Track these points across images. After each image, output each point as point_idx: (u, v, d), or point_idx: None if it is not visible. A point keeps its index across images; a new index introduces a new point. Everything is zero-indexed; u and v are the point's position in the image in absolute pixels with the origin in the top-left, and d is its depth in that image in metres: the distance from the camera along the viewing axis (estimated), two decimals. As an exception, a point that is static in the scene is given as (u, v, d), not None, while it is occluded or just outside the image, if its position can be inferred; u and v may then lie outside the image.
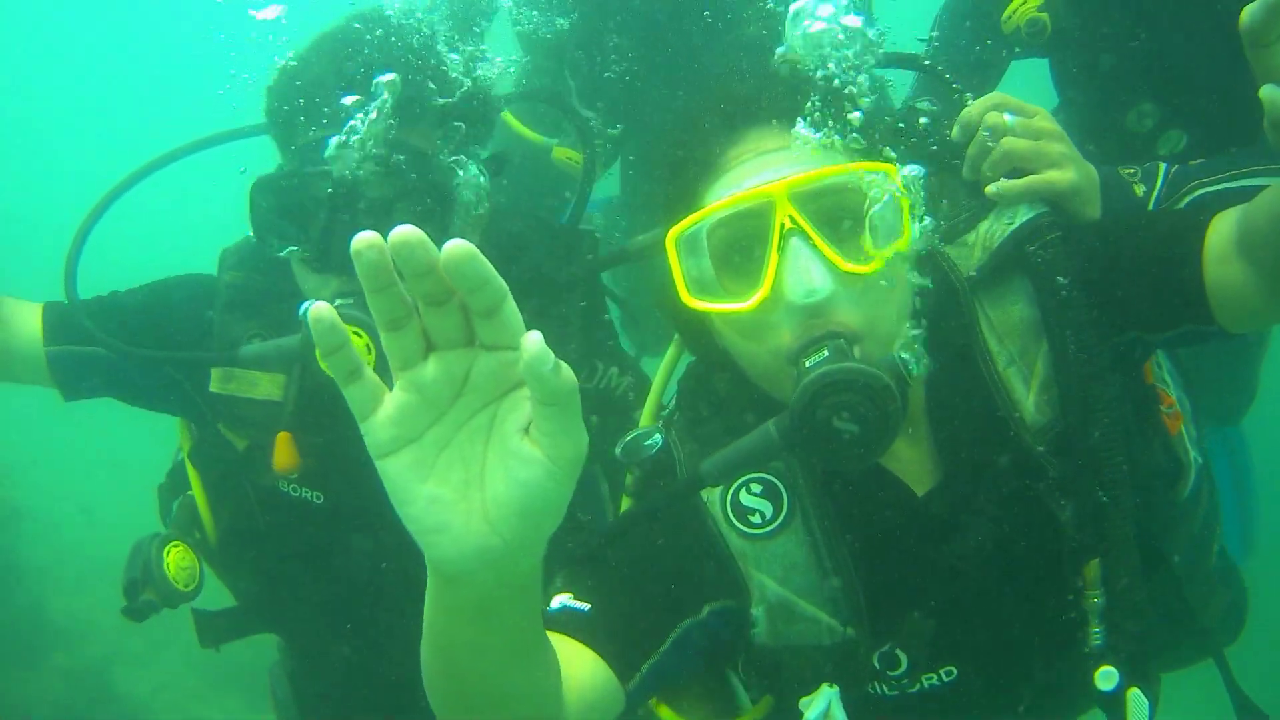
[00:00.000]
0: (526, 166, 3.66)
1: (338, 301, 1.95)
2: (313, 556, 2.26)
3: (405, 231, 0.97)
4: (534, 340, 0.97)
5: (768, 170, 1.62)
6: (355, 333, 1.87)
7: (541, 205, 3.28)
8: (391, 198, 2.00)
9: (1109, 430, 1.71)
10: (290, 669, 2.55)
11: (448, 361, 1.04)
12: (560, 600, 1.66)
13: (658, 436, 1.85)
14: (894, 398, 1.51)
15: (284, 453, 2.16)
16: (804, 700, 1.76)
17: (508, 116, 3.45)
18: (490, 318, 1.02)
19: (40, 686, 6.09)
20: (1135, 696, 1.82)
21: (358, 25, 2.08)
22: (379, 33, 2.06)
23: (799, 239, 1.56)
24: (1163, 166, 2.13)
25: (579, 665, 1.57)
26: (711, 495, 1.75)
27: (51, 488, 7.25)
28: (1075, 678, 1.88)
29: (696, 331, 1.80)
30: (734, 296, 1.61)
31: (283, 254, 2.06)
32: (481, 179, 2.16)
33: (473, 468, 1.06)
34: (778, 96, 1.68)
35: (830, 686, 1.75)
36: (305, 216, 2.01)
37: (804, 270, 1.54)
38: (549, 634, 1.47)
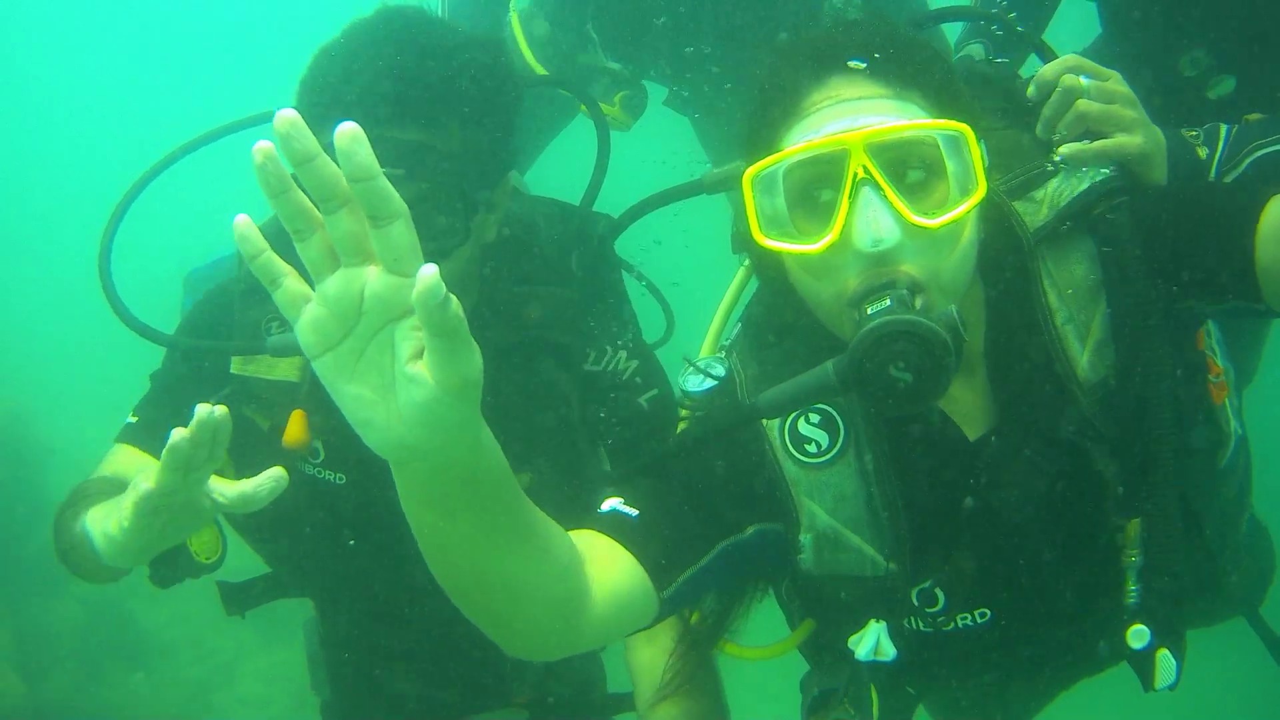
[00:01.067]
0: (545, 112, 3.70)
1: None
2: (337, 533, 2.27)
3: (286, 119, 1.03)
4: (428, 273, 1.02)
5: (847, 118, 1.63)
6: None
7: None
8: (415, 198, 1.96)
9: (1160, 394, 1.74)
10: (320, 628, 2.59)
11: (346, 278, 1.10)
12: (611, 504, 1.73)
13: (719, 367, 1.91)
14: (949, 351, 1.53)
15: (295, 429, 2.18)
16: (853, 638, 1.83)
17: (522, 43, 3.38)
18: (379, 227, 1.07)
19: (62, 614, 6.18)
20: (1164, 657, 1.85)
21: (407, 26, 2.06)
22: (415, 34, 2.04)
23: (870, 189, 1.57)
24: (1224, 128, 2.14)
25: (616, 567, 1.64)
26: (771, 420, 1.80)
27: (81, 426, 7.31)
28: (1103, 633, 1.92)
29: (769, 262, 1.83)
30: (804, 237, 1.64)
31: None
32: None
33: (385, 375, 1.13)
34: (863, 46, 1.70)
35: (878, 622, 1.81)
36: None
37: (873, 219, 1.56)
38: (595, 534, 1.64)
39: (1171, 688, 1.89)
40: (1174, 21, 2.47)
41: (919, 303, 1.59)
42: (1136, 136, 1.87)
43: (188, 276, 2.38)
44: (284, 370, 2.23)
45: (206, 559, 2.20)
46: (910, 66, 1.70)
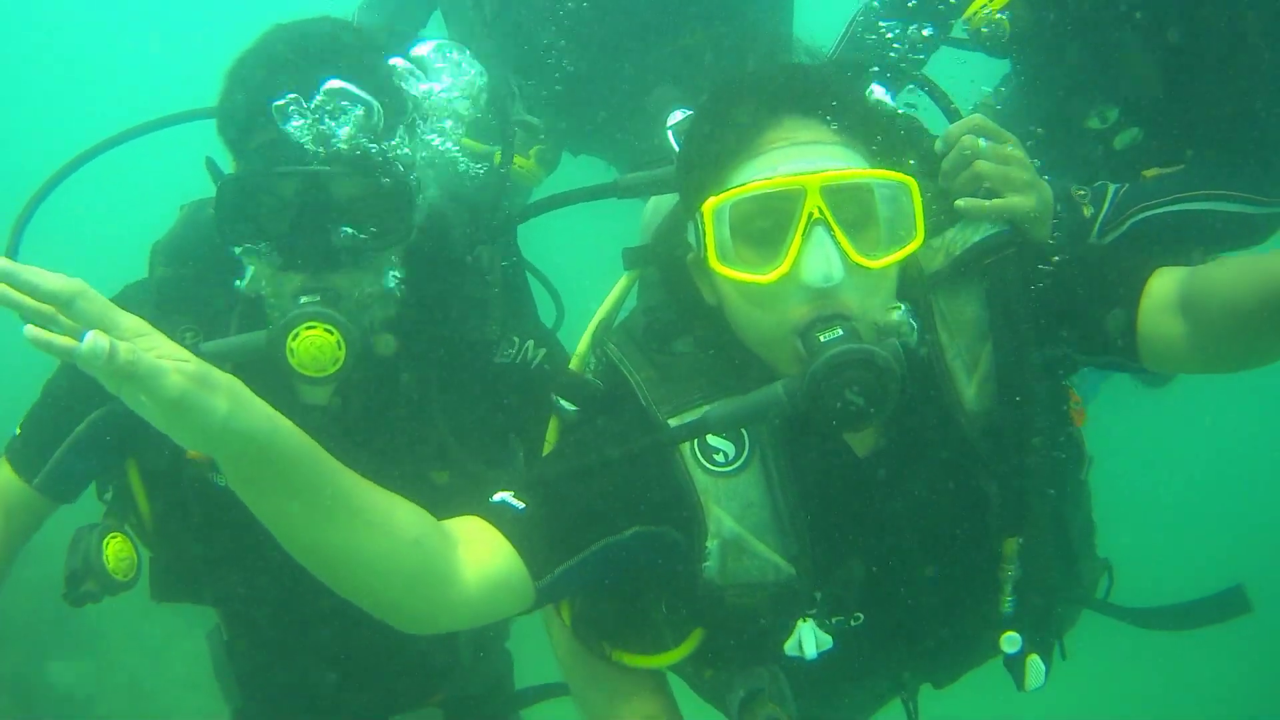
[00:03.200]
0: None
1: (303, 299, 1.99)
2: (243, 543, 2.19)
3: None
4: (86, 341, 1.24)
5: (801, 160, 1.75)
6: (326, 330, 1.94)
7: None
8: (355, 197, 2.01)
9: (1037, 425, 1.89)
10: (225, 637, 2.55)
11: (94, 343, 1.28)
12: (501, 495, 1.80)
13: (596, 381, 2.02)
14: (897, 379, 1.67)
15: None
16: (789, 643, 1.89)
17: None
18: (67, 312, 1.30)
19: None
20: (1034, 662, 2.02)
21: (307, 26, 2.09)
22: (329, 32, 2.07)
23: (823, 229, 1.70)
24: (1111, 189, 2.30)
25: (492, 552, 1.72)
26: (683, 423, 1.85)
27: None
28: (972, 640, 2.06)
29: (682, 283, 1.94)
30: (749, 266, 1.75)
31: (239, 252, 2.07)
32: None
33: None
34: (816, 93, 1.81)
35: (804, 620, 1.88)
36: (268, 215, 2.01)
37: (824, 258, 1.69)
38: (479, 521, 1.75)
39: (1040, 689, 2.05)
40: (1084, 80, 2.60)
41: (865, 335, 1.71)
42: (1029, 198, 2.02)
43: (155, 248, 2.33)
44: None
45: (123, 577, 2.25)
46: (857, 116, 1.83)
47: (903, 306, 1.80)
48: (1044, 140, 2.68)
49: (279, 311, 2.05)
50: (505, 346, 2.28)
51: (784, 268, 1.71)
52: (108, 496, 2.40)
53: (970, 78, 3.04)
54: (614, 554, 1.84)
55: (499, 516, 1.76)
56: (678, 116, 2.09)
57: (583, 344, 2.14)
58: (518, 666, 2.83)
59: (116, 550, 2.25)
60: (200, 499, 2.26)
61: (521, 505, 1.78)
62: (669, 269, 2.00)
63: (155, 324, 2.15)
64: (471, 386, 2.26)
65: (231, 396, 1.37)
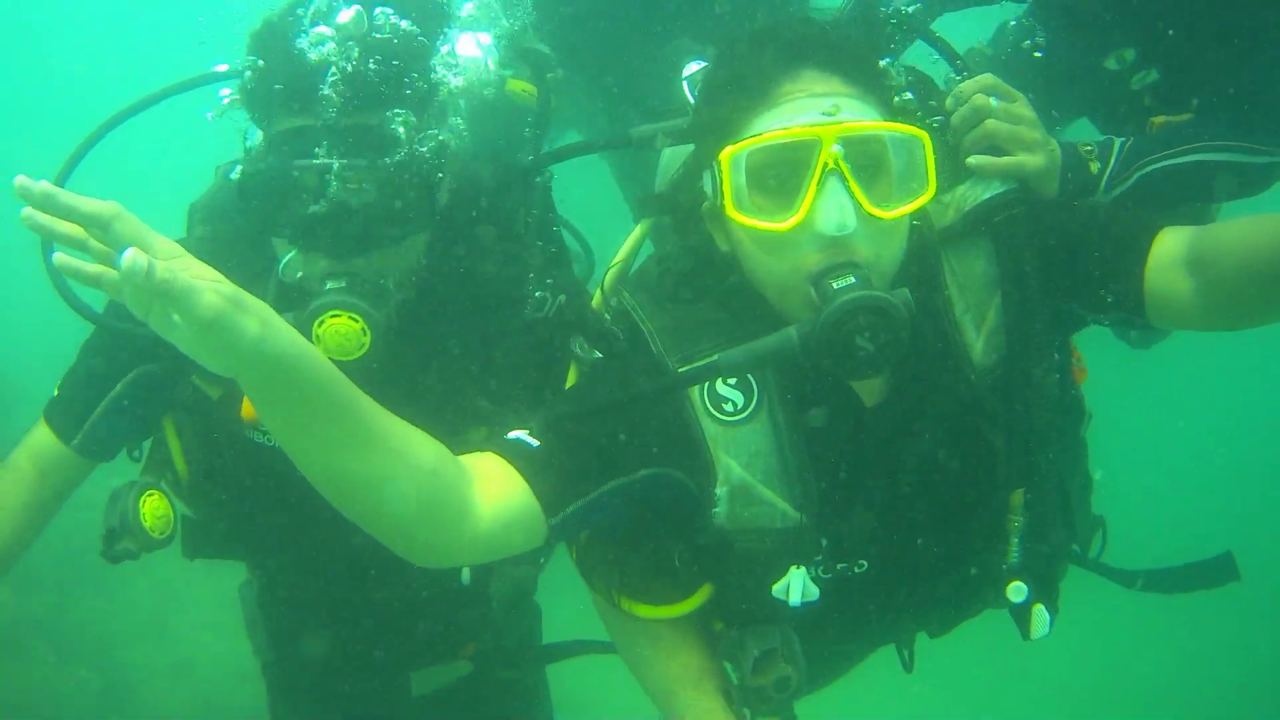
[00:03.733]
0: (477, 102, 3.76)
1: (328, 284, 2.01)
2: (281, 498, 2.23)
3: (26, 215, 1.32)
4: (126, 257, 1.26)
5: (817, 110, 1.78)
6: (351, 318, 1.97)
7: (495, 141, 3.31)
8: (377, 191, 2.03)
9: (1043, 379, 1.93)
10: (257, 591, 2.60)
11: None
12: (517, 433, 1.83)
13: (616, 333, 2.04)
14: (906, 326, 1.70)
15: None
16: (777, 586, 1.94)
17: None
18: (104, 236, 1.32)
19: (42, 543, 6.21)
20: (1040, 611, 2.07)
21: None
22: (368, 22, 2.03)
23: (837, 179, 1.73)
24: (1117, 143, 2.31)
25: (507, 488, 1.75)
26: (694, 365, 1.88)
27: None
28: (974, 589, 2.11)
29: (696, 232, 1.97)
30: (763, 214, 1.78)
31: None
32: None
33: None
34: (832, 45, 1.84)
35: (798, 568, 1.93)
36: (289, 205, 2.03)
37: (838, 207, 1.72)
38: (495, 457, 1.77)
39: (1045, 638, 2.10)
40: (1104, 20, 2.62)
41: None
42: (1037, 156, 2.05)
43: (192, 208, 2.34)
44: None
45: (160, 535, 2.28)
46: (872, 70, 1.87)
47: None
48: (1062, 81, 2.74)
49: (309, 287, 2.07)
50: (537, 302, 2.28)
51: (799, 216, 1.74)
52: (137, 454, 2.41)
53: (967, 28, 3.05)
54: (626, 495, 1.87)
55: (514, 453, 1.79)
56: (694, 68, 2.11)
57: (598, 294, 2.18)
58: (545, 621, 2.85)
59: (153, 508, 2.27)
60: (236, 456, 2.30)
61: (536, 443, 1.81)
62: (683, 217, 2.02)
63: None
64: (505, 342, 2.28)
65: (262, 319, 1.39)
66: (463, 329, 2.24)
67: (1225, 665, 7.77)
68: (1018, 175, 2.02)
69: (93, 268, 1.35)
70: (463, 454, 1.74)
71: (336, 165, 1.98)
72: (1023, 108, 2.07)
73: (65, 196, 1.31)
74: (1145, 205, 2.22)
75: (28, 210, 1.31)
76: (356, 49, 1.98)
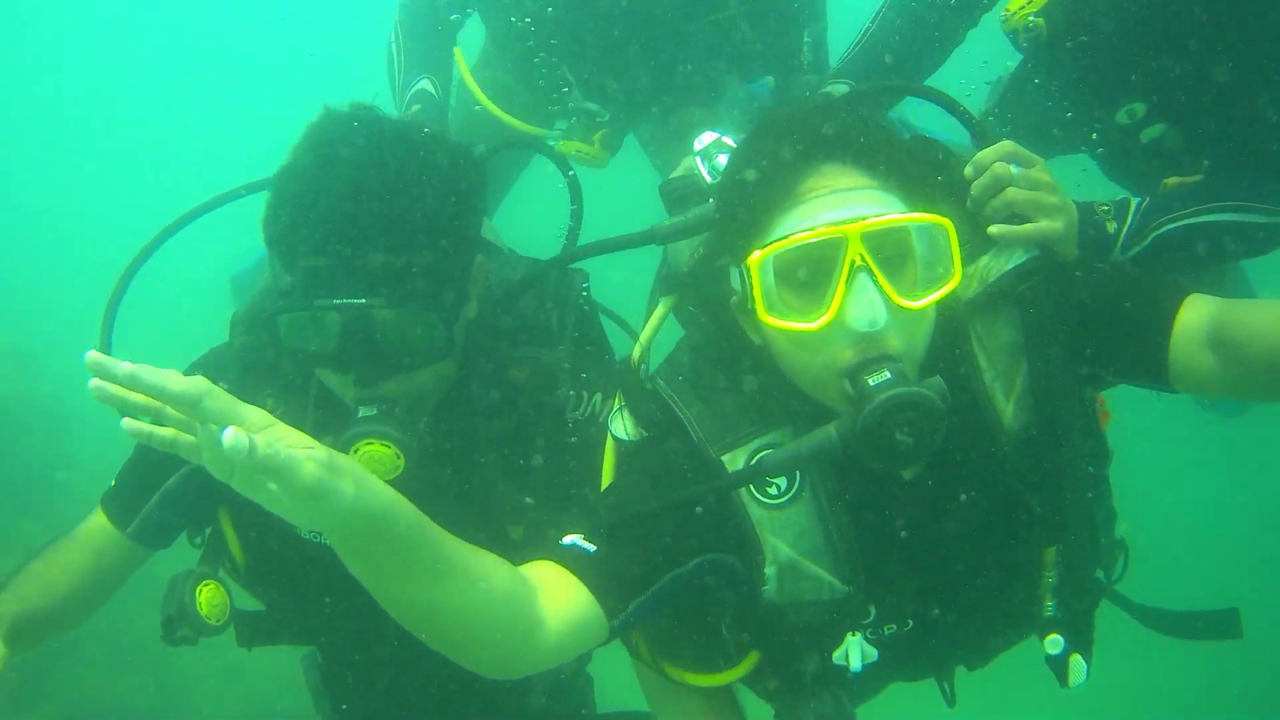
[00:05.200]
0: (515, 157, 3.76)
1: (360, 411, 2.06)
2: (334, 588, 2.28)
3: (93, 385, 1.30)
4: (227, 438, 1.25)
5: (841, 208, 1.78)
6: (383, 445, 2.02)
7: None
8: (399, 324, 2.05)
9: (1073, 441, 1.96)
10: (320, 664, 2.63)
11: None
12: (572, 539, 1.86)
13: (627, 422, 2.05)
14: (944, 418, 1.72)
15: None
16: (837, 652, 1.96)
17: (494, 109, 3.49)
18: (192, 412, 1.30)
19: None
20: (1076, 662, 2.08)
21: (363, 142, 2.04)
22: (392, 157, 2.04)
23: (865, 275, 1.73)
24: (1134, 203, 2.33)
25: (570, 597, 1.78)
26: (736, 466, 1.92)
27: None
28: (1009, 635, 2.16)
29: (726, 321, 1.98)
30: (793, 312, 1.79)
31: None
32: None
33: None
34: (855, 139, 1.83)
35: (853, 635, 1.96)
36: (315, 339, 2.07)
37: (868, 303, 1.72)
38: (554, 566, 1.80)
39: (1082, 685, 2.10)
40: (1115, 74, 2.62)
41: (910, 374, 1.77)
42: (1058, 222, 2.04)
43: (234, 278, 2.39)
44: None
45: (216, 622, 2.32)
46: (890, 157, 1.86)
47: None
48: (1070, 129, 2.75)
49: (346, 403, 2.12)
50: (574, 403, 2.30)
51: (830, 315, 1.74)
52: (198, 542, 2.46)
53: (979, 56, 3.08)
54: (680, 584, 1.91)
55: (573, 561, 1.82)
56: (705, 139, 2.10)
57: (634, 359, 2.16)
58: (600, 689, 2.87)
59: (209, 597, 2.31)
60: (289, 548, 2.33)
61: (593, 548, 1.84)
62: (712, 307, 2.03)
63: (239, 390, 2.16)
64: (542, 444, 2.29)
65: (355, 479, 1.40)
66: (496, 437, 2.25)
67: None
68: (1039, 242, 2.02)
69: (165, 433, 1.36)
70: (515, 559, 1.76)
71: (358, 303, 2.00)
72: (1041, 173, 2.07)
73: (151, 376, 1.28)
74: (1162, 265, 2.25)
75: (97, 382, 1.30)
76: (378, 187, 2.00)
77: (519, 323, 2.33)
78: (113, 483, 2.41)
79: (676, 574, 1.89)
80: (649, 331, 2.17)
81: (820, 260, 1.77)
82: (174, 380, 1.28)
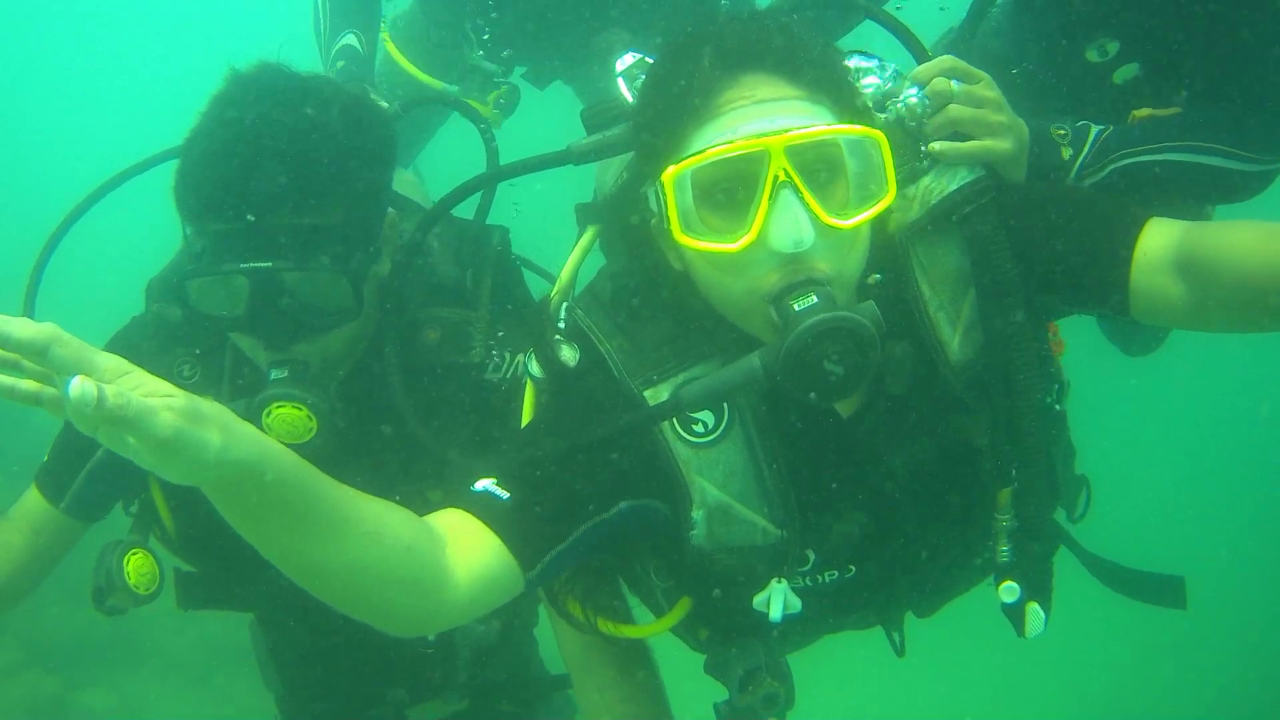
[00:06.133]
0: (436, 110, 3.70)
1: (272, 374, 2.04)
2: (260, 556, 2.27)
3: None
4: (73, 388, 1.12)
5: (762, 119, 1.62)
6: (295, 406, 2.00)
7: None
8: (307, 286, 2.03)
9: (1025, 374, 1.80)
10: (262, 637, 2.65)
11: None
12: (484, 484, 1.71)
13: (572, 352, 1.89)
14: (876, 346, 1.58)
15: None
16: (758, 598, 1.85)
17: (397, 55, 3.46)
18: (42, 361, 1.16)
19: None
20: (1033, 610, 1.96)
21: (265, 104, 2.00)
22: (292, 120, 2.00)
23: (790, 191, 1.58)
24: (1093, 130, 2.15)
25: (481, 547, 1.64)
26: (660, 401, 1.78)
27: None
28: (964, 579, 2.04)
29: (645, 246, 1.83)
30: (714, 233, 1.64)
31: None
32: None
33: None
34: (774, 46, 1.68)
35: (779, 582, 1.83)
36: (224, 303, 2.04)
37: (793, 221, 1.57)
38: (463, 514, 1.66)
39: (1040, 635, 1.99)
40: (1084, 11, 2.44)
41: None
42: (1005, 141, 1.89)
43: (149, 285, 2.37)
44: None
45: (144, 591, 2.30)
46: (819, 68, 1.70)
47: (879, 276, 1.72)
48: (1036, 70, 2.56)
49: (259, 366, 2.10)
50: (494, 364, 2.25)
51: (751, 235, 1.59)
52: (133, 510, 2.44)
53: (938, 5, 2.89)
54: (602, 532, 1.77)
55: (484, 508, 1.67)
56: (627, 60, 1.95)
57: (552, 303, 2.00)
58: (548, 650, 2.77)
59: (137, 566, 2.30)
60: (221, 518, 2.29)
61: (505, 495, 1.69)
62: (631, 233, 1.87)
63: (157, 356, 2.22)
64: (460, 404, 2.23)
65: (222, 427, 1.26)
66: (411, 398, 2.16)
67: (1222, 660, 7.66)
68: (985, 161, 1.87)
69: (28, 386, 1.22)
70: (428, 514, 1.63)
71: (264, 267, 1.97)
72: (986, 89, 1.91)
73: None
74: (1124, 198, 2.05)
75: None
76: (281, 150, 1.96)
77: (433, 281, 2.28)
78: (45, 458, 2.39)
79: (597, 521, 1.75)
80: (570, 267, 2.01)
81: (741, 176, 1.62)
82: (19, 326, 1.15)
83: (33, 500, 2.37)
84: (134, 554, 2.31)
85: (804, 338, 1.54)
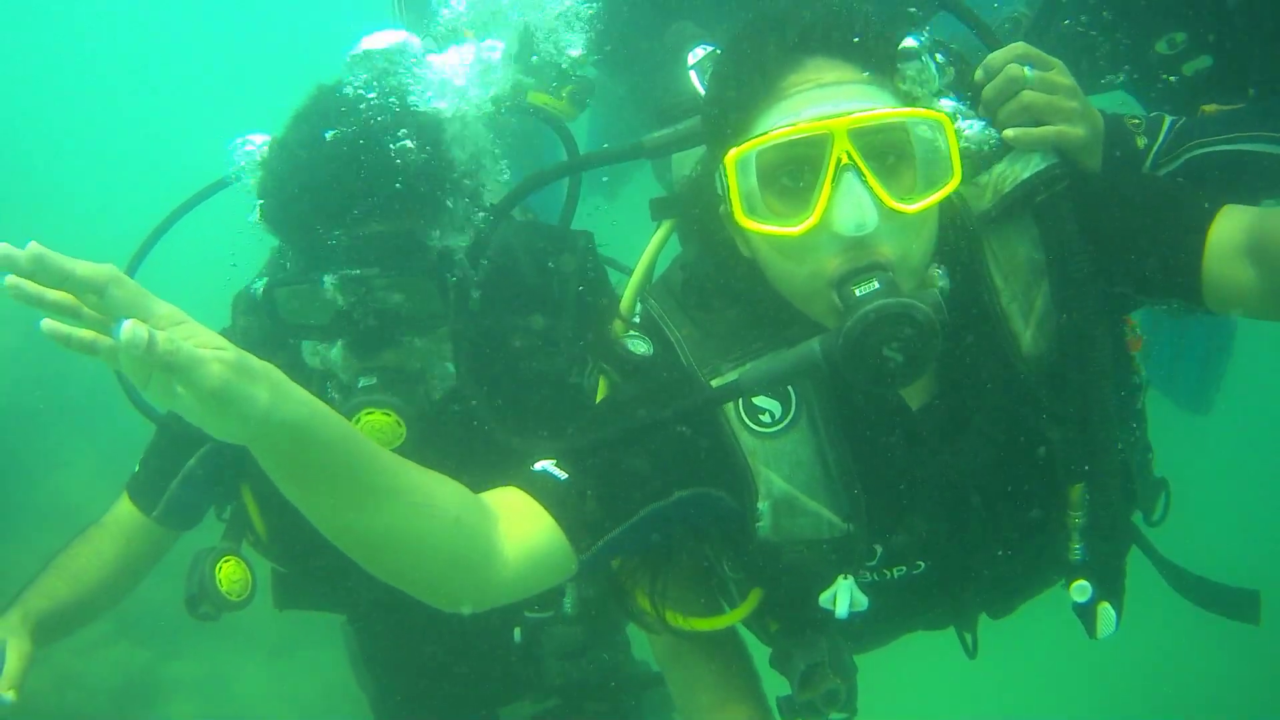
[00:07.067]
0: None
1: (360, 381, 2.06)
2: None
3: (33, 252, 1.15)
4: (125, 330, 1.13)
5: (826, 103, 1.60)
6: (384, 413, 2.01)
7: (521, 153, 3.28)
8: (396, 298, 2.06)
9: (1099, 367, 1.75)
10: (356, 632, 2.67)
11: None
12: (543, 464, 1.69)
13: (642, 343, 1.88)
14: (938, 333, 1.54)
15: None
16: (825, 595, 1.81)
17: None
18: (100, 302, 1.18)
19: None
20: (1105, 610, 1.92)
21: (356, 119, 2.05)
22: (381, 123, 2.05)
23: (853, 174, 1.55)
24: (1167, 120, 2.10)
25: (534, 526, 1.62)
26: (719, 385, 1.75)
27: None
28: (1038, 579, 1.98)
29: (716, 235, 1.81)
30: (778, 218, 1.62)
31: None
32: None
33: None
34: (840, 30, 1.66)
35: (845, 578, 1.79)
36: (314, 312, 2.07)
37: (855, 204, 1.55)
38: (519, 492, 1.63)
39: (1112, 636, 1.95)
40: (1156, 3, 2.39)
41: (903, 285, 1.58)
42: (1078, 127, 1.83)
43: (235, 299, 2.42)
44: None
45: (236, 598, 2.34)
46: (884, 52, 1.67)
47: (942, 270, 1.68)
48: (1109, 62, 2.51)
49: (344, 379, 2.12)
50: (578, 368, 2.23)
51: (814, 218, 1.56)
52: (225, 515, 2.47)
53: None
54: (661, 519, 1.75)
55: (540, 488, 1.65)
56: (698, 54, 1.92)
57: (626, 299, 2.00)
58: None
59: (229, 573, 2.33)
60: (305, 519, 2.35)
61: (564, 475, 1.67)
62: (702, 221, 1.84)
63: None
64: (549, 410, 2.22)
65: (271, 385, 1.27)
66: (503, 407, 2.16)
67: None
68: (1059, 147, 1.81)
69: (84, 334, 1.19)
70: (486, 490, 1.62)
71: (353, 275, 2.00)
72: (1060, 75, 1.85)
73: (56, 260, 1.16)
74: (1198, 187, 1.99)
75: (12, 280, 1.16)
76: (364, 162, 2.00)
77: (519, 288, 2.29)
78: (136, 468, 2.43)
79: (655, 508, 1.72)
80: (645, 261, 1.99)
81: (805, 160, 1.59)
82: (80, 266, 1.17)
83: (124, 509, 2.41)
84: (226, 561, 2.34)
85: (863, 323, 1.51)
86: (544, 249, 2.33)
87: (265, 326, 2.21)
